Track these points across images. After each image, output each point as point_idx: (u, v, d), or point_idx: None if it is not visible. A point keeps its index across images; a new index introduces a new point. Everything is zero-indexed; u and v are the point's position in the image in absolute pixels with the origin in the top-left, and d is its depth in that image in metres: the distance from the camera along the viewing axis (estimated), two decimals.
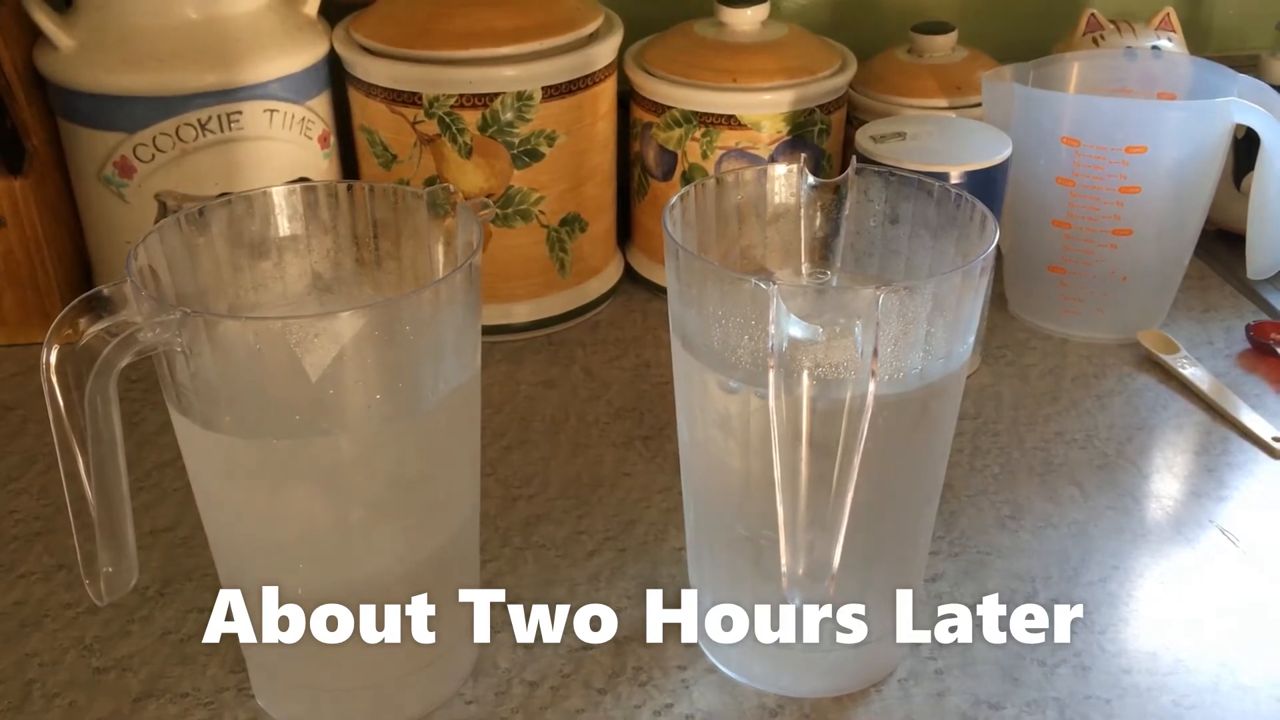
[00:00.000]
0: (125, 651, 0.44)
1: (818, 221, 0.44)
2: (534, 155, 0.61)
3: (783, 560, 0.35)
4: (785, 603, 0.36)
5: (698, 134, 0.64)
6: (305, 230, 0.42)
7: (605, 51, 0.62)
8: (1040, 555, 0.50)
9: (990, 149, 0.57)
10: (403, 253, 0.42)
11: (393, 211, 0.42)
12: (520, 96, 0.60)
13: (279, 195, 0.41)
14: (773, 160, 0.64)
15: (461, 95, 0.59)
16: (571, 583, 0.48)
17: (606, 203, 0.67)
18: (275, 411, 0.35)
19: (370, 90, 0.61)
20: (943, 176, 0.56)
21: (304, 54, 0.61)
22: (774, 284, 0.34)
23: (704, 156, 0.64)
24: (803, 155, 0.44)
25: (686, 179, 0.65)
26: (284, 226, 0.41)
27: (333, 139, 0.65)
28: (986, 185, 0.56)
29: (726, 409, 0.38)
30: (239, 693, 0.42)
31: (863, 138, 0.59)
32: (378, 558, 0.38)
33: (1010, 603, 0.47)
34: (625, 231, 0.71)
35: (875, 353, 0.33)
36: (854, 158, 0.44)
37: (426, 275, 0.42)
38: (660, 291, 0.69)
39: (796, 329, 0.33)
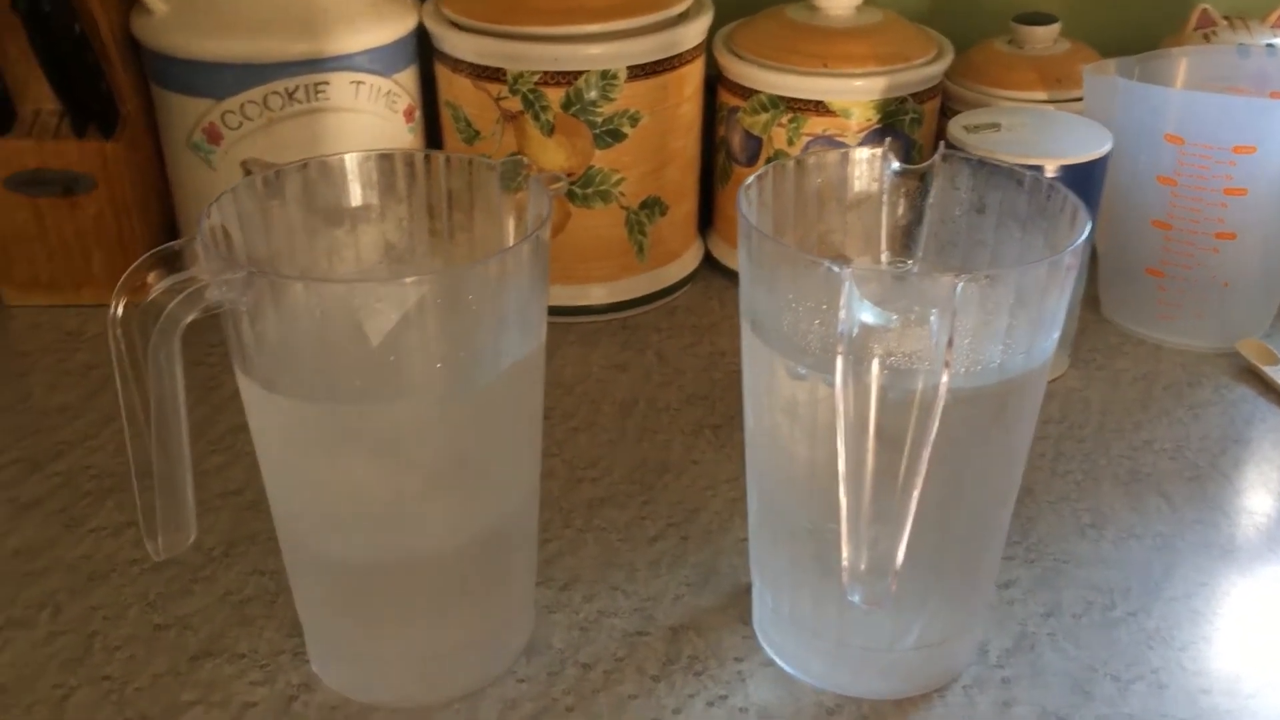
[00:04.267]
0: (186, 610, 0.45)
1: (900, 209, 0.43)
2: (616, 135, 0.61)
3: (844, 554, 0.34)
4: (848, 598, 0.34)
5: (784, 119, 0.63)
6: (379, 199, 0.41)
7: (693, 33, 0.61)
8: (1121, 566, 0.47)
9: (1089, 143, 0.55)
10: (475, 225, 0.42)
11: (466, 183, 0.41)
12: (605, 75, 0.59)
13: (354, 162, 0.41)
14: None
15: (546, 72, 0.59)
16: (631, 567, 0.47)
17: (689, 187, 0.66)
18: (336, 376, 0.35)
19: (456, 65, 0.61)
20: (1037, 170, 0.54)
21: (392, 27, 0.61)
22: (847, 268, 0.33)
23: (790, 143, 0.63)
24: (888, 139, 0.42)
25: None
26: (358, 194, 0.41)
27: (418, 114, 0.65)
28: (1084, 181, 0.54)
29: (794, 396, 0.37)
30: (294, 657, 0.43)
31: (955, 127, 0.57)
32: (433, 530, 0.38)
33: (1086, 613, 0.45)
34: (706, 217, 0.70)
35: (950, 343, 0.31)
36: (941, 144, 0.43)
37: (497, 248, 0.41)
38: (738, 279, 0.68)
39: (868, 315, 0.32)
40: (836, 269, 0.33)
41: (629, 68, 0.59)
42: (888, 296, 0.33)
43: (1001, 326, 0.34)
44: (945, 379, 0.31)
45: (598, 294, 0.64)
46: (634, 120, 0.61)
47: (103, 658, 0.42)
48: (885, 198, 0.42)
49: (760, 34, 0.64)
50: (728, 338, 0.64)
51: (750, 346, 0.39)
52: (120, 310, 0.33)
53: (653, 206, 0.64)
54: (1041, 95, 0.65)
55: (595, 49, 0.59)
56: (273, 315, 0.34)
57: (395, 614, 0.39)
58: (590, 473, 0.53)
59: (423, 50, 0.64)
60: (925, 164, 0.42)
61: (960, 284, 0.32)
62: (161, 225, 0.67)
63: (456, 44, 0.60)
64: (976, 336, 0.34)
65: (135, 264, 0.33)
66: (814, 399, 0.36)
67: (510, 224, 0.41)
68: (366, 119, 0.61)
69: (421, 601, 0.39)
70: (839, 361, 0.32)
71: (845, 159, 0.42)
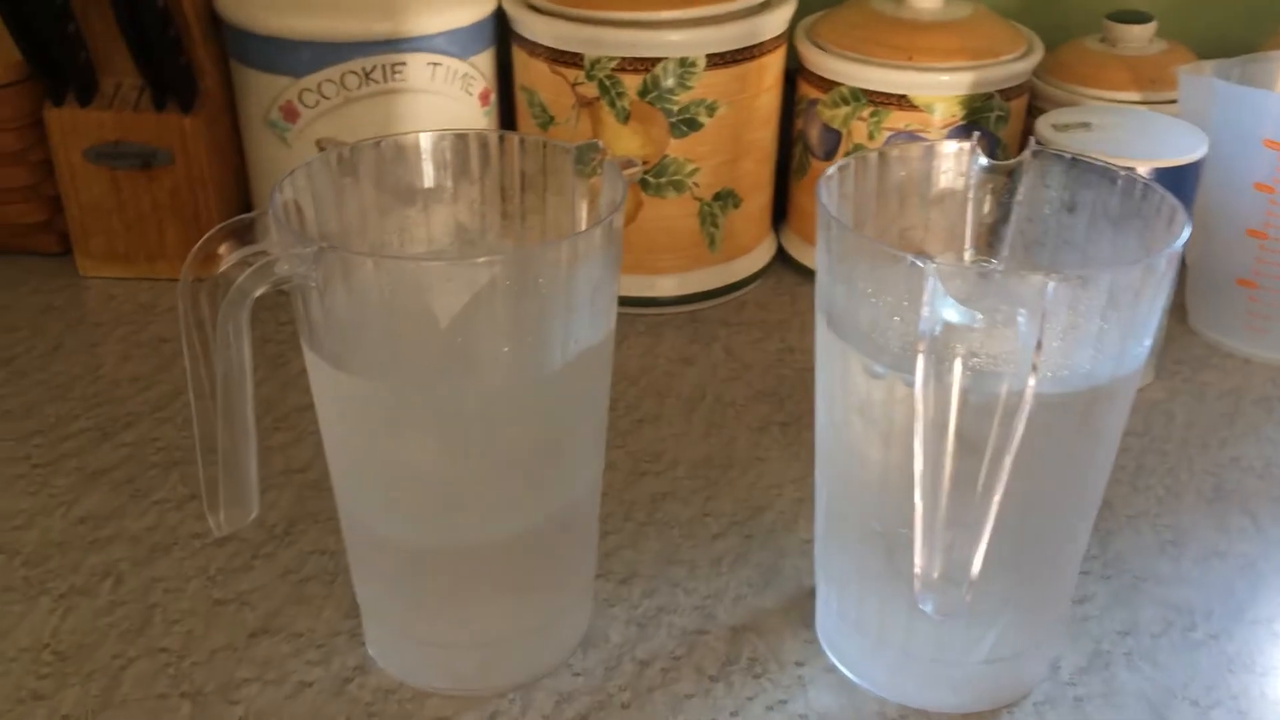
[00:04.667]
0: (246, 586, 0.45)
1: (986, 206, 0.41)
2: (692, 125, 0.60)
3: (917, 560, 0.33)
4: (919, 606, 0.33)
5: (865, 113, 0.61)
6: (452, 179, 0.41)
7: (775, 22, 0.60)
8: (1202, 586, 0.46)
9: (1184, 145, 0.53)
10: (547, 208, 0.41)
11: (540, 165, 0.41)
12: (683, 63, 0.58)
13: (428, 141, 0.40)
14: None
15: (623, 58, 0.58)
16: (692, 564, 0.46)
17: (764, 180, 0.65)
18: (403, 355, 0.34)
19: (533, 49, 0.60)
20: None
21: (471, 9, 0.61)
22: (931, 262, 0.31)
23: (870, 137, 0.61)
24: (975, 134, 0.41)
25: None
26: (431, 174, 0.40)
27: (493, 97, 0.64)
28: (1177, 185, 0.52)
29: (869, 394, 0.36)
30: (351, 638, 0.42)
31: (1044, 125, 0.55)
32: (495, 516, 0.37)
33: (1165, 634, 0.43)
34: (779, 211, 0.69)
35: (1039, 346, 0.30)
36: (1031, 140, 0.41)
37: (569, 232, 0.40)
38: (812, 276, 0.66)
39: (952, 313, 0.31)
40: (920, 264, 0.32)
41: (708, 56, 0.58)
42: (973, 295, 0.32)
43: (1092, 330, 0.33)
44: (1032, 383, 0.30)
45: (667, 285, 0.63)
46: (711, 110, 0.59)
47: (162, 630, 0.43)
48: (971, 194, 0.41)
49: (843, 25, 0.63)
50: (797, 334, 0.62)
51: (825, 342, 0.37)
52: (190, 281, 0.32)
53: (726, 198, 0.63)
54: (1134, 96, 0.63)
55: (674, 35, 0.58)
56: (342, 292, 0.33)
57: (453, 599, 0.39)
58: (654, 466, 0.52)
59: (500, 33, 0.64)
60: (1014, 160, 0.40)
61: (1051, 284, 0.30)
62: (236, 201, 0.67)
63: (534, 27, 0.60)
64: (1065, 340, 0.32)
65: (206, 236, 0.33)
66: (891, 398, 0.35)
67: (583, 208, 0.40)
68: (441, 101, 0.61)
69: (480, 588, 0.39)
70: (920, 361, 0.31)
71: (930, 152, 0.40)
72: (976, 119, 0.61)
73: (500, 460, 0.36)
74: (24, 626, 0.43)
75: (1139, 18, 0.65)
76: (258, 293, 0.33)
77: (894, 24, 0.62)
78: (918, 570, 0.33)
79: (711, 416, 0.56)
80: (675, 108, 0.59)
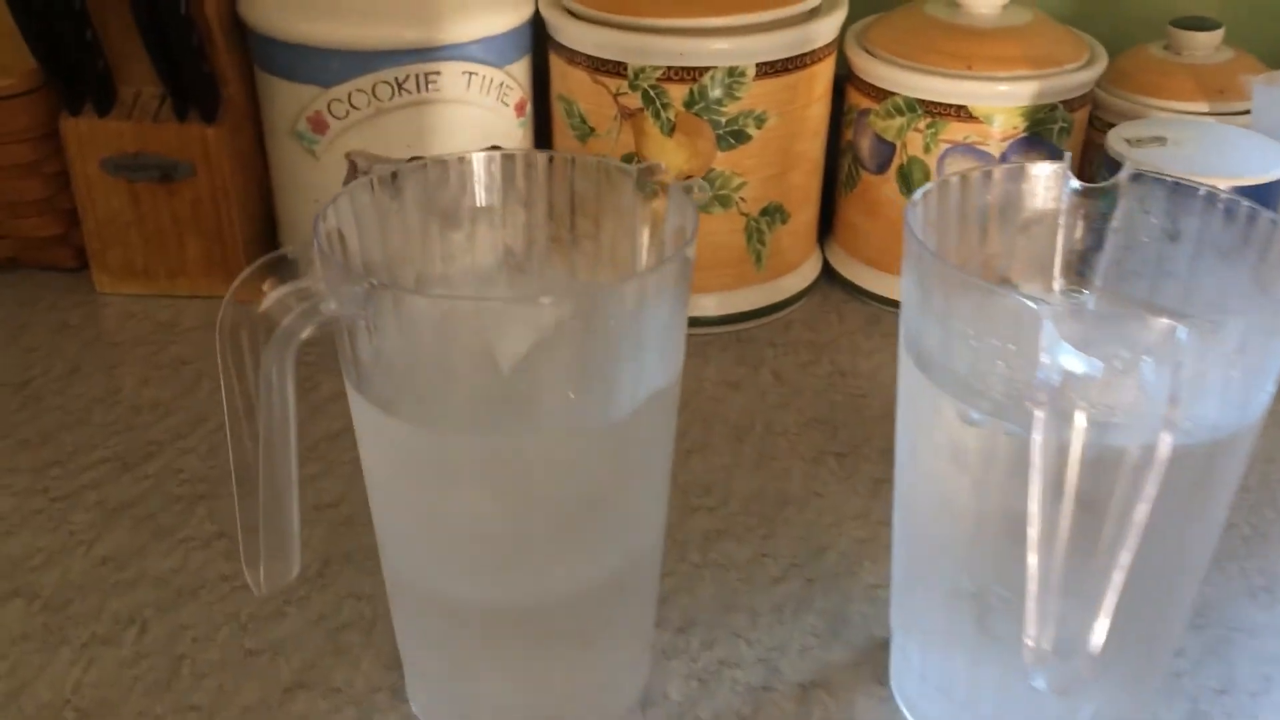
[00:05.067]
0: (279, 634, 0.42)
1: (1078, 232, 0.38)
2: (740, 137, 0.57)
3: (1029, 630, 0.30)
4: (1031, 682, 0.30)
5: (921, 124, 0.58)
6: (501, 201, 0.38)
7: (827, 29, 0.57)
8: None
9: (1266, 161, 0.50)
10: (602, 233, 0.38)
11: (595, 187, 0.38)
12: (732, 72, 0.55)
13: (477, 162, 0.37)
14: (1004, 159, 0.58)
15: (669, 67, 0.55)
16: (753, 611, 0.44)
17: (812, 194, 0.62)
18: (460, 401, 0.32)
19: (572, 57, 0.57)
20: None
21: (508, 15, 0.58)
22: (1045, 303, 0.29)
23: (926, 150, 0.59)
24: (1066, 155, 0.38)
25: (904, 173, 0.59)
26: (479, 196, 0.38)
27: (529, 107, 0.61)
28: (1259, 203, 0.49)
29: (962, 442, 0.33)
30: (392, 695, 0.39)
31: (1116, 140, 0.52)
32: (551, 572, 0.34)
33: (1265, 692, 0.40)
34: (823, 224, 0.66)
35: (1174, 399, 0.27)
36: (1126, 162, 0.38)
37: (627, 260, 0.38)
38: (859, 293, 0.63)
39: (1074, 362, 0.28)
40: (1034, 304, 0.29)
41: (758, 65, 0.55)
42: (1087, 338, 0.29)
43: (1218, 379, 0.30)
44: (1169, 441, 0.27)
45: (710, 305, 0.60)
46: (760, 121, 0.57)
47: (190, 684, 0.40)
48: (1061, 219, 0.38)
49: (897, 31, 0.60)
50: (848, 356, 0.59)
51: (912, 383, 0.35)
52: (230, 319, 0.30)
53: (774, 214, 0.60)
54: (1202, 107, 0.60)
55: (722, 44, 0.55)
56: (394, 332, 0.30)
57: (506, 658, 0.36)
58: (705, 501, 0.49)
59: (537, 40, 0.61)
60: (1108, 182, 0.38)
61: (1182, 330, 0.27)
62: (260, 216, 0.64)
63: (574, 35, 0.57)
64: (1191, 389, 0.29)
65: (247, 271, 0.30)
66: (989, 448, 0.32)
67: (644, 234, 0.37)
68: (477, 112, 0.58)
69: (535, 647, 0.36)
70: (1039, 415, 0.28)
71: (1018, 175, 0.37)
72: (1038, 131, 0.58)
73: (562, 512, 0.33)
74: (44, 679, 0.40)
75: (1205, 24, 0.62)
76: (304, 334, 0.30)
77: (951, 30, 0.59)
78: (1029, 642, 0.30)
79: (763, 446, 0.53)
80: (723, 119, 0.56)
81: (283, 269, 0.31)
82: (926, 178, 0.59)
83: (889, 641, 0.41)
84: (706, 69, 0.55)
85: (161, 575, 0.45)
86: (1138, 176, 0.37)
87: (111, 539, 0.46)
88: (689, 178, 0.57)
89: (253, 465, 0.31)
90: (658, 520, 0.37)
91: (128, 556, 0.45)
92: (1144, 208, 0.37)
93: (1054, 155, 0.59)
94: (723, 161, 0.57)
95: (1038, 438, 0.28)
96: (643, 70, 0.55)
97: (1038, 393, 0.28)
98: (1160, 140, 0.52)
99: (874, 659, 0.41)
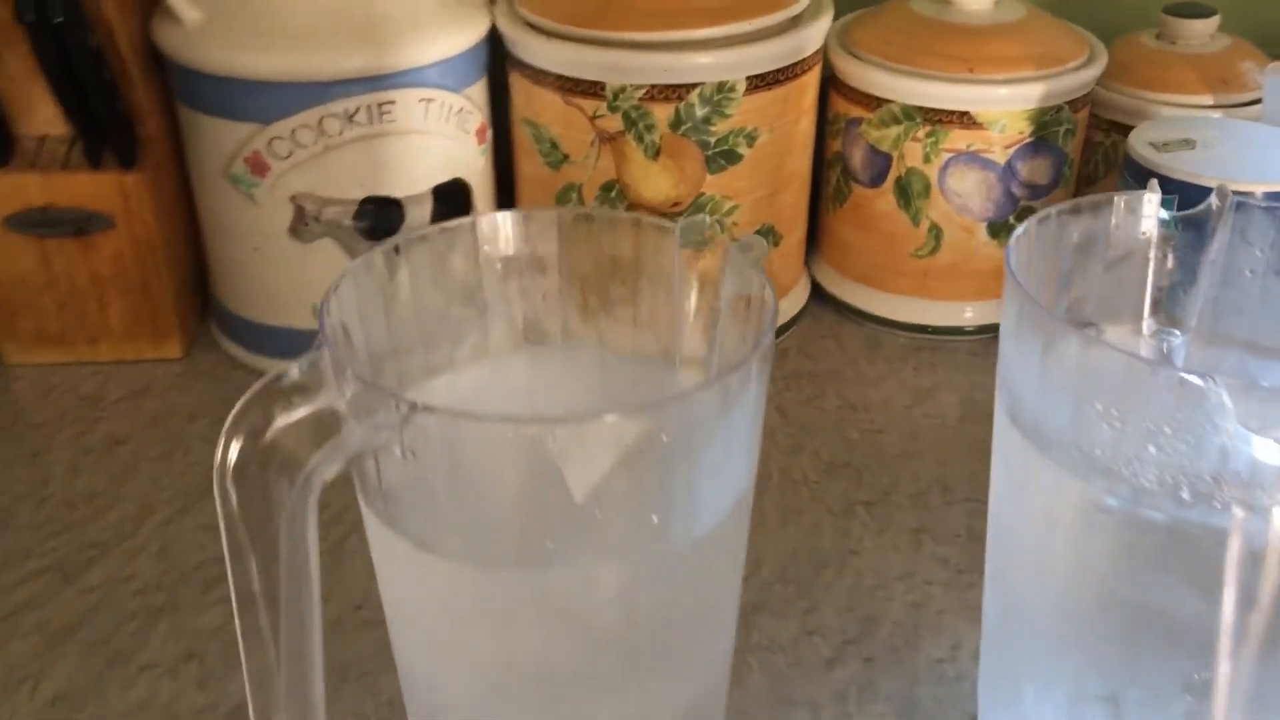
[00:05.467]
0: None
1: (1169, 265, 0.34)
2: (731, 157, 0.52)
3: None
4: None
5: (920, 133, 0.54)
6: (520, 268, 0.32)
7: (816, 34, 0.53)
8: None
9: None
10: (639, 299, 0.33)
11: (631, 248, 0.32)
12: (721, 88, 0.50)
13: (490, 225, 0.32)
14: (1010, 168, 0.54)
15: (652, 85, 0.50)
16: (814, 704, 0.39)
17: (802, 212, 0.57)
18: (520, 535, 0.26)
19: (539, 77, 0.52)
20: (1244, 195, 0.46)
21: (465, 33, 0.52)
22: (1217, 381, 0.24)
23: (926, 160, 0.54)
24: (1152, 181, 0.33)
25: (901, 186, 0.55)
26: (496, 265, 0.32)
27: (489, 133, 0.55)
28: None
29: (1088, 528, 0.29)
30: None
31: (1140, 144, 0.49)
32: (619, 709, 0.29)
33: None
34: (808, 242, 0.62)
35: None
36: (1220, 186, 0.34)
37: (668, 330, 0.32)
38: (852, 313, 0.59)
39: (1261, 449, 0.24)
40: (1203, 382, 0.24)
41: (748, 78, 0.50)
42: (1261, 417, 0.25)
43: None
44: None
45: None
46: (751, 139, 0.52)
47: None
48: (1152, 253, 0.34)
49: (885, 31, 0.55)
50: (854, 387, 0.55)
51: (1022, 459, 0.30)
52: (233, 457, 0.24)
53: (766, 236, 0.55)
54: (1206, 99, 0.57)
55: (709, 57, 0.50)
56: (439, 459, 0.25)
57: None
58: None
59: (492, 59, 0.55)
60: (1201, 208, 0.34)
61: None
62: (189, 269, 0.57)
63: (542, 52, 0.51)
64: None
65: (249, 396, 0.24)
66: (1129, 538, 0.28)
67: (690, 299, 0.32)
68: (436, 142, 0.52)
69: None
70: (1237, 511, 0.24)
71: (1106, 206, 0.33)
72: (1045, 135, 0.54)
73: (633, 643, 0.28)
74: None
75: (1200, 10, 0.59)
76: (331, 475, 0.24)
77: (945, 30, 0.54)
78: None
79: (784, 499, 0.48)
80: (712, 139, 0.51)
81: (290, 391, 0.25)
82: (927, 190, 0.55)
83: None
84: (693, 85, 0.50)
85: (125, 712, 0.38)
86: (1240, 204, 0.33)
87: (60, 672, 0.40)
88: (676, 205, 0.52)
89: (263, 633, 0.25)
90: (731, 631, 0.31)
91: (82, 694, 0.39)
92: (1246, 239, 0.33)
93: (1060, 160, 0.55)
94: (713, 185, 0.52)
95: (1236, 541, 0.24)
96: (623, 90, 0.50)
97: (1227, 486, 0.24)
98: (1188, 143, 0.48)
99: None
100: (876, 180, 0.56)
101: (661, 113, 0.50)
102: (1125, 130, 0.58)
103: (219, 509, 0.24)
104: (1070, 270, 0.33)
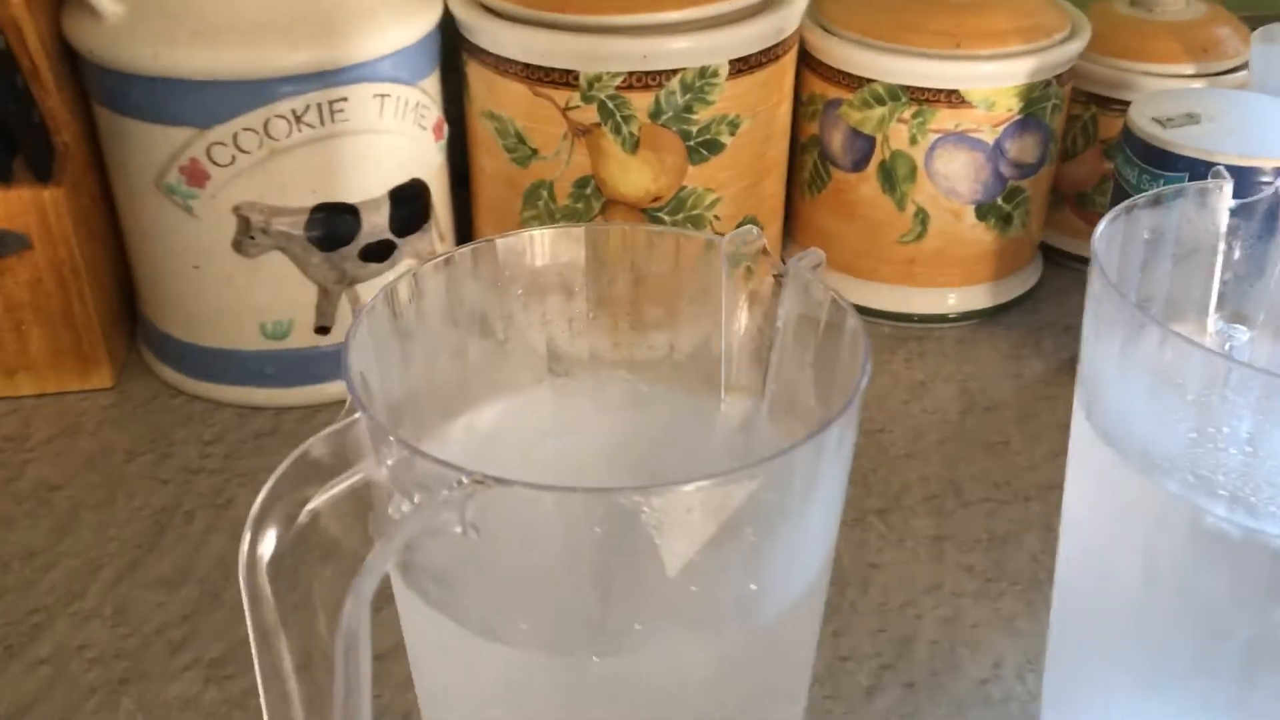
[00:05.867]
0: None
1: (1237, 256, 0.32)
2: (713, 147, 0.48)
3: None
4: None
5: (907, 114, 0.51)
6: (543, 295, 0.29)
7: (795, 12, 0.50)
8: None
9: None
10: (679, 322, 0.29)
11: (669, 265, 0.29)
12: (703, 73, 0.46)
13: (507, 249, 0.28)
14: (999, 147, 0.52)
15: (630, 73, 0.46)
16: None
17: (780, 201, 0.54)
18: (602, 617, 0.22)
19: (503, 66, 0.48)
20: (1252, 172, 0.44)
21: (418, 21, 0.47)
22: None
23: (913, 142, 0.52)
24: (1219, 168, 0.31)
25: (886, 170, 0.52)
26: (517, 290, 0.28)
27: (445, 129, 0.51)
28: None
29: (1186, 547, 0.26)
30: None
31: (1142, 119, 0.47)
32: None
33: None
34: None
35: None
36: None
37: (709, 356, 0.29)
38: None
39: None
40: None
41: (731, 62, 0.47)
42: None
43: None
44: None
45: None
46: (734, 127, 0.48)
47: None
48: (1220, 244, 0.31)
49: (863, 6, 0.52)
50: None
51: (1098, 458, 0.27)
52: (269, 551, 0.20)
53: None
54: (1189, 69, 0.55)
55: (690, 41, 0.46)
56: (504, 534, 0.21)
57: None
58: None
59: (446, 48, 0.50)
60: (1265, 194, 0.31)
61: None
62: (117, 291, 0.52)
63: (505, 39, 0.47)
64: None
65: (277, 478, 0.20)
66: (1241, 559, 0.25)
67: (738, 322, 0.29)
68: (392, 141, 0.47)
69: None
70: None
71: (1180, 196, 0.31)
72: (1033, 112, 0.52)
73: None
74: None
75: None
76: (386, 568, 0.20)
77: (928, 3, 0.52)
78: None
79: None
80: (693, 129, 0.48)
81: (324, 470, 0.21)
82: (913, 173, 0.52)
83: None
84: (674, 71, 0.46)
85: None
86: None
87: None
88: (656, 200, 0.49)
89: None
90: (806, 692, 0.28)
91: None
92: None
93: (1047, 137, 0.53)
94: (695, 177, 0.49)
95: None
96: (598, 79, 0.46)
97: None
98: (1193, 118, 0.46)
99: None
100: (859, 164, 0.53)
101: (640, 102, 0.47)
102: (1103, 103, 0.56)
103: (248, 610, 0.20)
104: (1142, 265, 0.31)
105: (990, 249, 0.54)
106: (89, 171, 0.50)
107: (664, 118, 0.47)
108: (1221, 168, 0.30)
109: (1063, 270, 0.60)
